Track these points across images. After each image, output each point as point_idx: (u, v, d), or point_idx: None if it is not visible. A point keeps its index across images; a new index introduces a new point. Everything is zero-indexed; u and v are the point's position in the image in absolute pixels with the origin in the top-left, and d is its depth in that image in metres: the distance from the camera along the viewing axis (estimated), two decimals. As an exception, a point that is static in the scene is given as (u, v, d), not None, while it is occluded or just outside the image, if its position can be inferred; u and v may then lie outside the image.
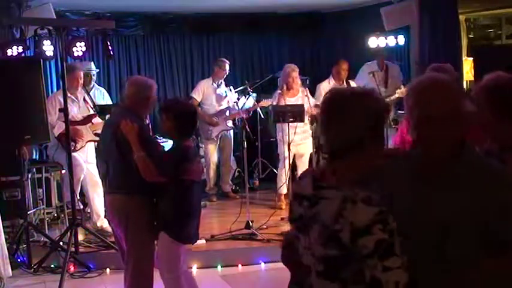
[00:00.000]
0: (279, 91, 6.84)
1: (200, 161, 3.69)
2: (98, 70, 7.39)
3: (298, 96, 6.80)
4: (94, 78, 7.10)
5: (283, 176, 6.84)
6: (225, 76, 7.57)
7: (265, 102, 7.31)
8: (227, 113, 7.48)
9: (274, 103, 6.76)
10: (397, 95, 6.78)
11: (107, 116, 6.50)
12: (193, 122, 3.81)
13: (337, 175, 1.80)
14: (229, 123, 7.58)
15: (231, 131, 7.67)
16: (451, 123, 1.79)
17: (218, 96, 7.50)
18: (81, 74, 6.22)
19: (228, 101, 7.52)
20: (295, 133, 6.51)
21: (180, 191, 3.66)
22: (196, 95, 7.46)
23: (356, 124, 1.77)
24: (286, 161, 6.71)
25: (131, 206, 3.76)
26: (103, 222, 6.08)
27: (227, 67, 7.50)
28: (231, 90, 7.60)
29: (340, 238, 1.70)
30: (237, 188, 7.92)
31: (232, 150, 7.75)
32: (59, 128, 5.85)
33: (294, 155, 6.78)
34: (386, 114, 1.87)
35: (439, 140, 1.82)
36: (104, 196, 4.49)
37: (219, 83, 7.55)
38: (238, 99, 7.86)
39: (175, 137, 3.77)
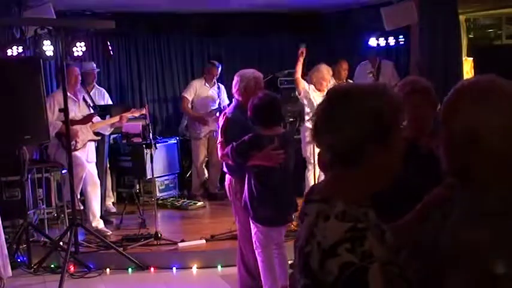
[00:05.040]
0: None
1: (275, 148, 3.85)
2: (98, 70, 7.40)
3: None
4: (95, 78, 7.12)
5: (310, 181, 6.52)
6: (216, 78, 7.62)
7: None
8: (217, 114, 7.47)
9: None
10: None
11: (107, 116, 6.56)
12: (262, 112, 3.94)
13: (327, 187, 1.49)
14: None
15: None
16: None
17: (210, 97, 7.55)
18: (78, 71, 6.22)
19: (220, 103, 7.57)
20: None
21: (254, 176, 3.96)
22: (188, 94, 7.52)
23: (352, 129, 1.42)
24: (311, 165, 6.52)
25: (236, 188, 4.24)
26: (98, 223, 6.06)
27: (217, 71, 7.58)
28: (219, 91, 7.63)
29: (310, 263, 1.38)
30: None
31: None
32: (54, 128, 5.83)
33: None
34: (397, 116, 1.45)
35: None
36: None
37: (212, 83, 7.60)
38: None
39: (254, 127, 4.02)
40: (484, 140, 1.42)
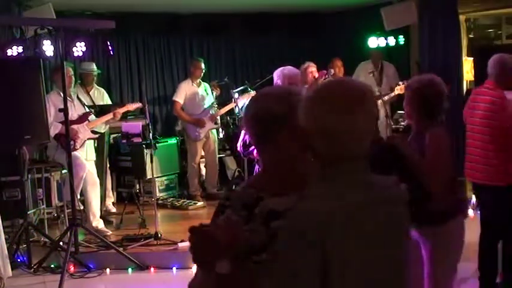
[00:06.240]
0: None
1: None
2: (100, 71, 7.38)
3: None
4: (95, 79, 7.12)
5: None
6: (202, 74, 7.53)
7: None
8: (211, 112, 7.46)
9: None
10: (396, 92, 6.68)
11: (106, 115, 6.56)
12: None
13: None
14: (213, 122, 7.55)
15: (214, 130, 7.61)
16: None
17: (201, 96, 7.49)
18: (71, 70, 6.23)
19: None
20: None
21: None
22: (179, 98, 7.41)
23: (252, 127, 1.74)
24: None
25: None
26: (98, 223, 6.06)
27: (202, 65, 7.48)
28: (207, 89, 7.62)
29: None
30: (237, 187, 7.88)
31: (216, 150, 7.68)
32: (55, 129, 5.83)
33: None
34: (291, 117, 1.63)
35: None
36: None
37: (198, 82, 7.54)
38: (238, 99, 7.85)
39: None
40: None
